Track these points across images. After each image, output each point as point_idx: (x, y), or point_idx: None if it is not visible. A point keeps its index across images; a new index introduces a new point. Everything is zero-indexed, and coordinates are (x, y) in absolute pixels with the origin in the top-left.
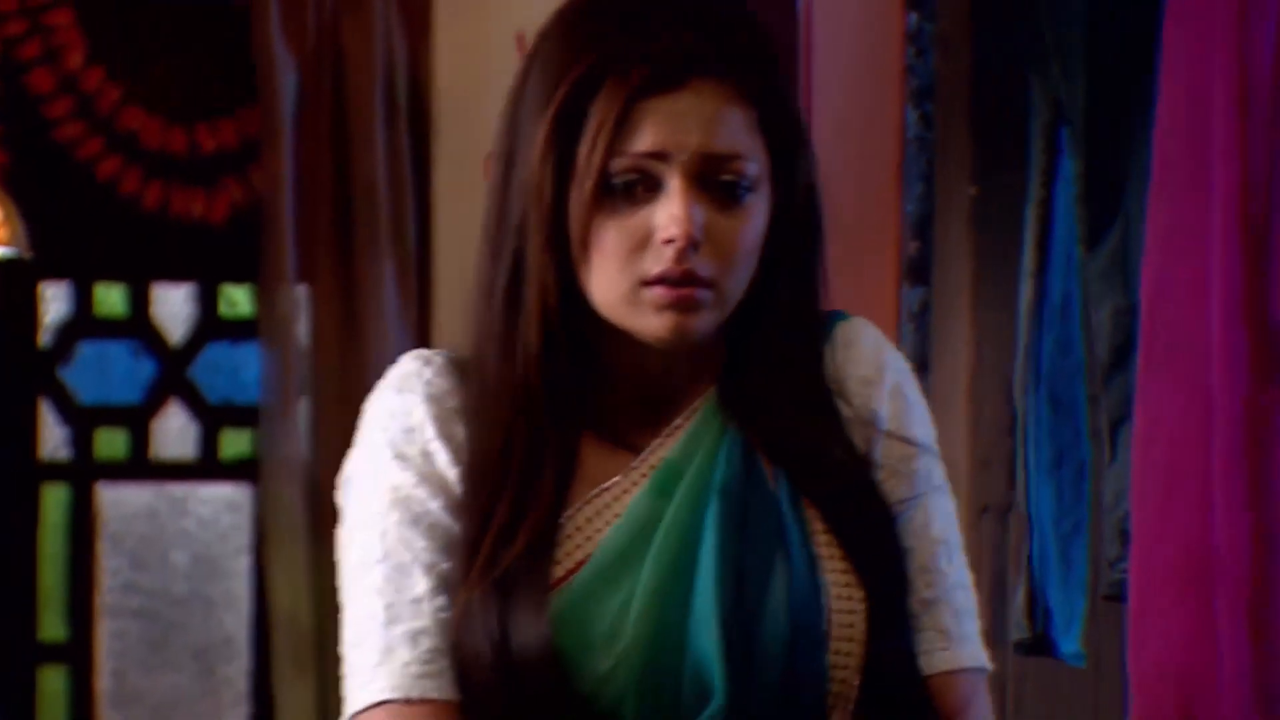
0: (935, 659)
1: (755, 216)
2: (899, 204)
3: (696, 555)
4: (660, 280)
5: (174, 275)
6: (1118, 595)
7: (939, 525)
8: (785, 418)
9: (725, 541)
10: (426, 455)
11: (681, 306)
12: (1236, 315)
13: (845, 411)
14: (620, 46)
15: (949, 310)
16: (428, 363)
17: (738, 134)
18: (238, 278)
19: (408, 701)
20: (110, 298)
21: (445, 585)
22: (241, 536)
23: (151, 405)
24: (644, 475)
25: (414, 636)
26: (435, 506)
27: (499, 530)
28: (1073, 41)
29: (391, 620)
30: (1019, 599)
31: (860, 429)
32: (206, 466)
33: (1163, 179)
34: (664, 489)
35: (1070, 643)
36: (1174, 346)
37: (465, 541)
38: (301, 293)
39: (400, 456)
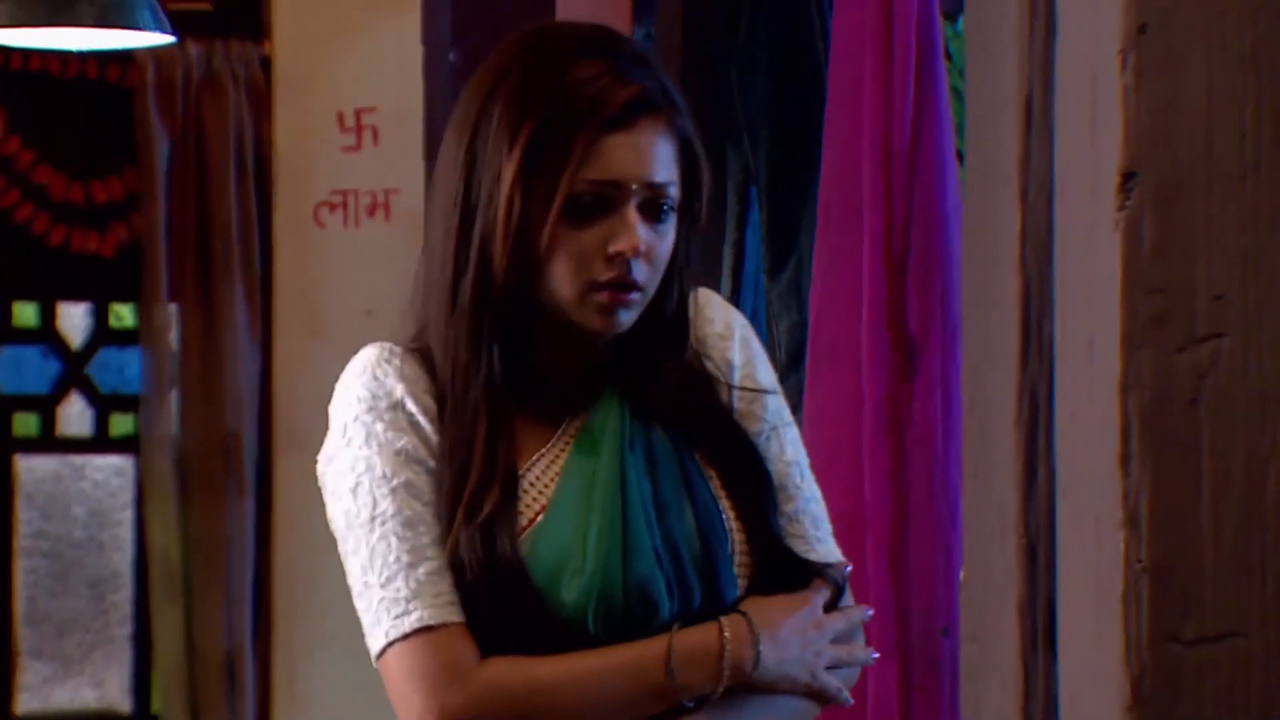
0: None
1: (673, 231)
2: None
3: (625, 500)
4: (607, 285)
5: (74, 295)
6: None
7: (790, 451)
8: (668, 390)
9: (645, 487)
10: (415, 424)
11: (620, 306)
12: (880, 327)
13: (709, 367)
14: (583, 92)
15: None
16: (393, 353)
17: (669, 165)
18: (124, 298)
19: (443, 625)
20: (25, 313)
21: (446, 531)
22: (126, 495)
23: (57, 395)
24: (566, 443)
25: (436, 573)
26: (432, 465)
27: (476, 485)
28: (758, 120)
29: (415, 561)
30: None
31: (721, 378)
32: (100, 442)
33: (826, 224)
34: (590, 450)
35: None
36: (834, 351)
37: (446, 496)
38: (173, 310)
39: (394, 426)
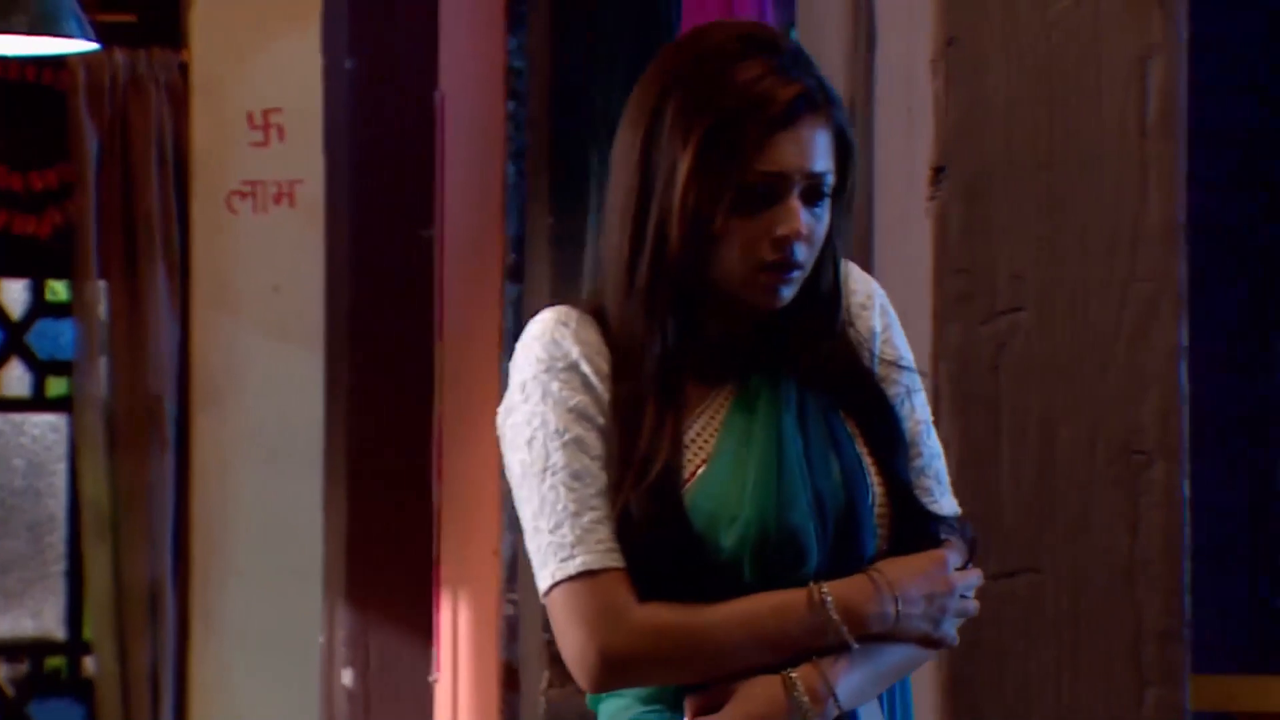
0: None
1: (827, 215)
2: (503, 229)
3: (781, 454)
4: (773, 266)
5: (15, 273)
6: None
7: (920, 412)
8: (820, 356)
9: (797, 442)
10: (588, 384)
11: (783, 285)
12: None
13: (853, 335)
14: (750, 92)
15: (535, 299)
16: (570, 315)
17: (826, 156)
18: (59, 275)
19: (604, 570)
20: None
21: (612, 482)
22: (61, 448)
23: (0, 361)
24: (725, 401)
25: (600, 522)
26: (602, 422)
27: (647, 448)
28: (613, 117)
29: (580, 510)
30: None
31: (864, 344)
32: (37, 402)
33: None
34: (747, 408)
35: None
36: None
37: (618, 452)
38: (102, 286)
39: (569, 385)
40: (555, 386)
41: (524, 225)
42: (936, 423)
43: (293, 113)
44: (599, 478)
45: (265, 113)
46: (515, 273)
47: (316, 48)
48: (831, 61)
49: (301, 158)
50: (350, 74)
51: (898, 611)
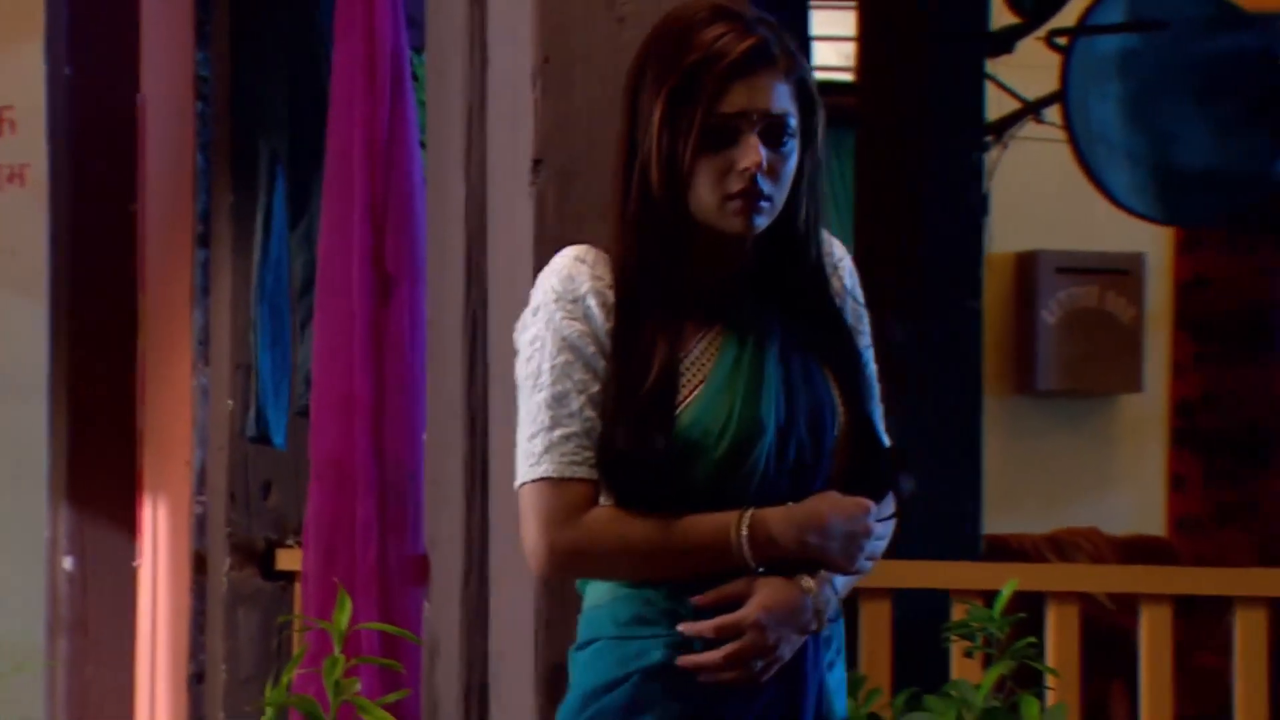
0: None
1: (793, 155)
2: (193, 205)
3: (763, 382)
4: (739, 195)
5: None
6: (305, 413)
7: (873, 363)
8: (801, 299)
9: (778, 376)
10: (589, 317)
11: (751, 211)
12: (367, 265)
13: (834, 287)
14: (712, 46)
15: (220, 263)
16: (588, 252)
17: (785, 101)
18: None
19: (561, 479)
20: None
21: (593, 403)
22: None
23: None
24: (718, 334)
25: (568, 437)
26: (591, 351)
27: (642, 362)
28: (283, 118)
29: (553, 425)
30: (251, 415)
31: (839, 298)
32: None
33: (329, 192)
34: (739, 342)
35: (279, 438)
36: (335, 281)
37: (614, 375)
38: None
39: (570, 316)
40: (559, 316)
41: (210, 201)
42: None
43: (22, 109)
44: (575, 400)
45: (0, 109)
46: (203, 240)
47: (41, 58)
48: (453, 74)
49: (29, 146)
50: (68, 79)
51: (818, 544)
